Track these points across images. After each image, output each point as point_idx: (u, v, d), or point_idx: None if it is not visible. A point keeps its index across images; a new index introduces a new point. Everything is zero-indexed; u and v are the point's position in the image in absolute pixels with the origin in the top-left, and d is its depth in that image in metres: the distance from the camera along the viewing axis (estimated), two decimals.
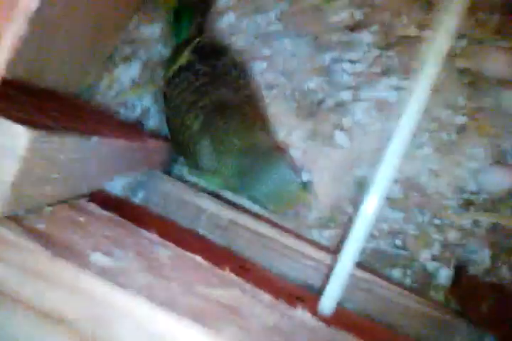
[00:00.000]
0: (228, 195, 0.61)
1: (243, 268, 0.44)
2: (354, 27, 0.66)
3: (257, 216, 0.61)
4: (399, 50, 0.64)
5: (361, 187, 0.62)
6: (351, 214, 0.62)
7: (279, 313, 0.31)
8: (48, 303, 0.23)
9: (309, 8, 0.67)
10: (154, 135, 0.60)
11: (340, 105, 0.64)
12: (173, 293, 0.25)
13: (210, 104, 0.50)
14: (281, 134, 0.64)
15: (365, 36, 0.65)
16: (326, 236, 0.62)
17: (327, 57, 0.65)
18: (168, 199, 0.57)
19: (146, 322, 0.22)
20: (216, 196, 0.61)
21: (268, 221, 0.62)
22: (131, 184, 0.52)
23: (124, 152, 0.37)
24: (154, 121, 0.65)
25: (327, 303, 0.46)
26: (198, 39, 0.56)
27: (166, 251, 0.31)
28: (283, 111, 0.65)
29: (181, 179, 0.62)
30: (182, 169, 0.64)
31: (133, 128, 0.57)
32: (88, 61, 0.62)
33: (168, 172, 0.63)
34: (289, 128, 0.64)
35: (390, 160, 0.49)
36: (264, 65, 0.66)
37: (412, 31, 0.65)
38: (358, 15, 0.66)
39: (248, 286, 0.35)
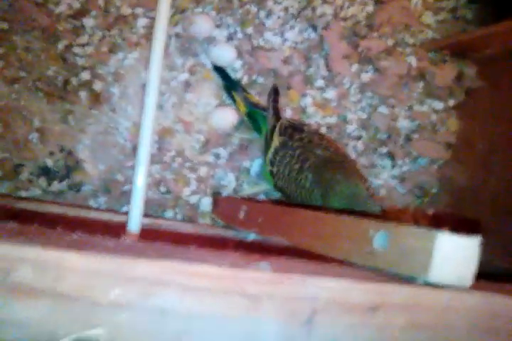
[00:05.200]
0: None
1: None
2: (76, 15, 0.73)
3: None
4: (119, 28, 0.73)
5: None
6: (122, 182, 0.71)
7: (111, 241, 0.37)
8: None
9: (32, 5, 0.72)
10: None
11: (84, 84, 0.72)
12: None
13: (314, 164, 0.62)
14: (36, 122, 0.70)
15: (88, 21, 0.73)
16: (102, 202, 0.71)
17: (59, 46, 0.72)
18: None
19: None
20: None
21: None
22: None
23: None
24: None
25: (133, 225, 0.56)
26: (280, 124, 0.68)
27: None
28: (32, 101, 0.71)
29: None
30: None
31: None
32: None
33: None
34: (41, 115, 0.71)
35: (147, 124, 0.59)
36: (1, 62, 0.71)
37: (126, 11, 0.74)
38: (76, 4, 0.73)
39: None
